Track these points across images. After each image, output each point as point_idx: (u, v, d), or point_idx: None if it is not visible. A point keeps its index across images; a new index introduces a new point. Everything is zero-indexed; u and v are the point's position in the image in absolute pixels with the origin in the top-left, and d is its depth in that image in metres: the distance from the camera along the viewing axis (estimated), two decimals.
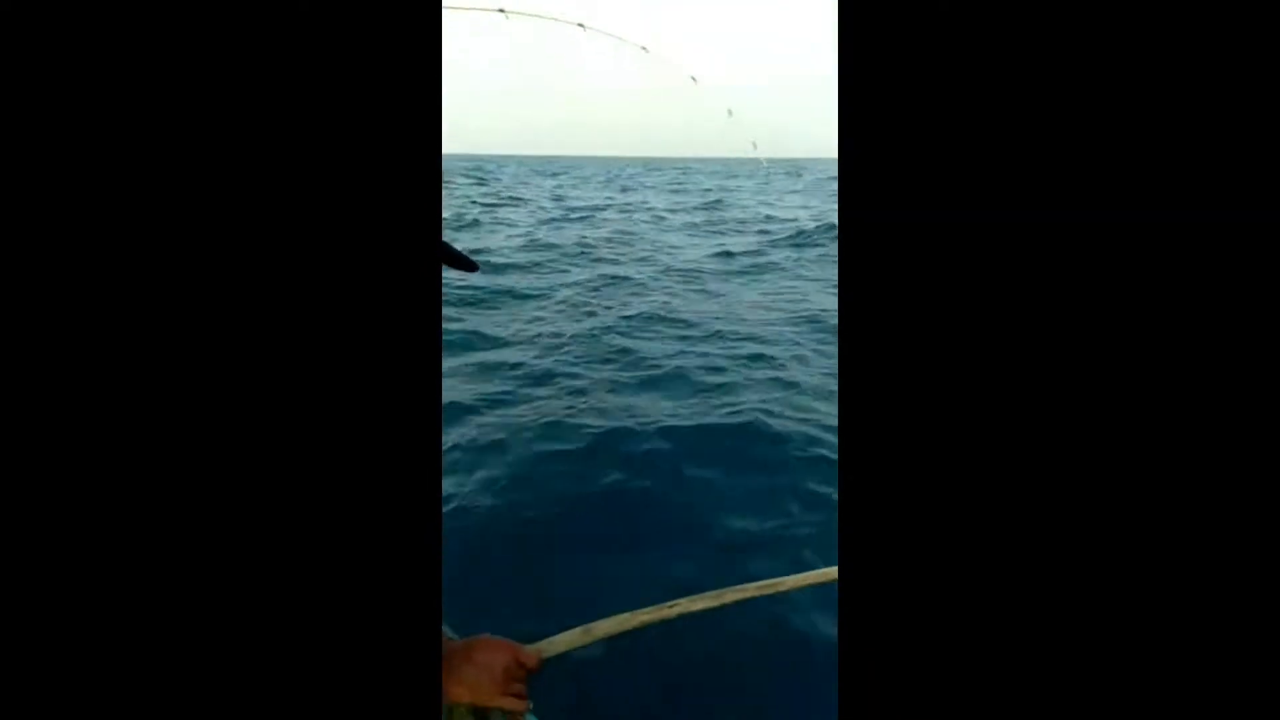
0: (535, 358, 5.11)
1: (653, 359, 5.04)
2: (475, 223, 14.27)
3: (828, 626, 2.34)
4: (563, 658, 1.04)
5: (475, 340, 5.57)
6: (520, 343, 5.59)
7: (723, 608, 1.18)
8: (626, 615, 1.12)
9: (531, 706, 0.94)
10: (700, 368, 4.82)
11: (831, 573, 1.30)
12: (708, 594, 1.18)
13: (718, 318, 6.39)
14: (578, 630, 1.08)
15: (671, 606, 1.14)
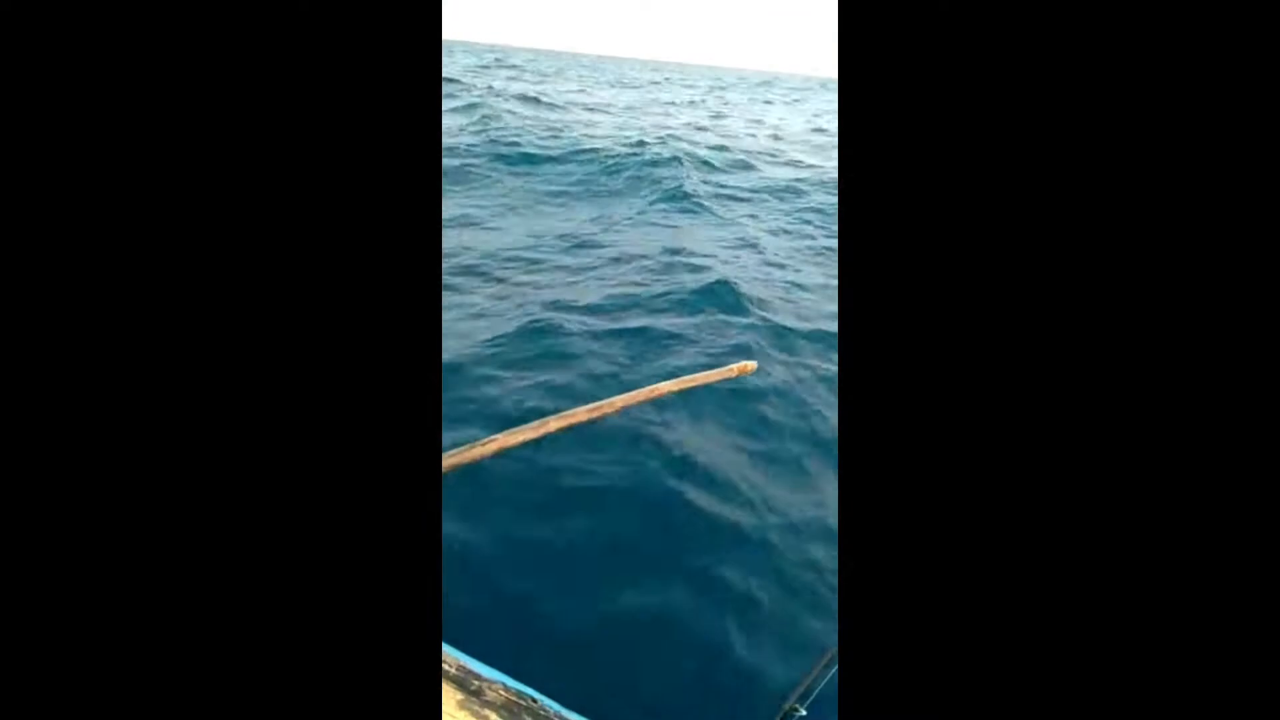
0: None
1: None
2: None
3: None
4: None
5: None
6: None
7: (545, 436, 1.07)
8: (483, 441, 0.99)
9: None
10: None
11: (663, 387, 1.22)
12: (529, 425, 1.06)
13: None
14: None
15: (487, 443, 1.01)
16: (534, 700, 0.73)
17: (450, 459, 0.96)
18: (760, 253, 5.85)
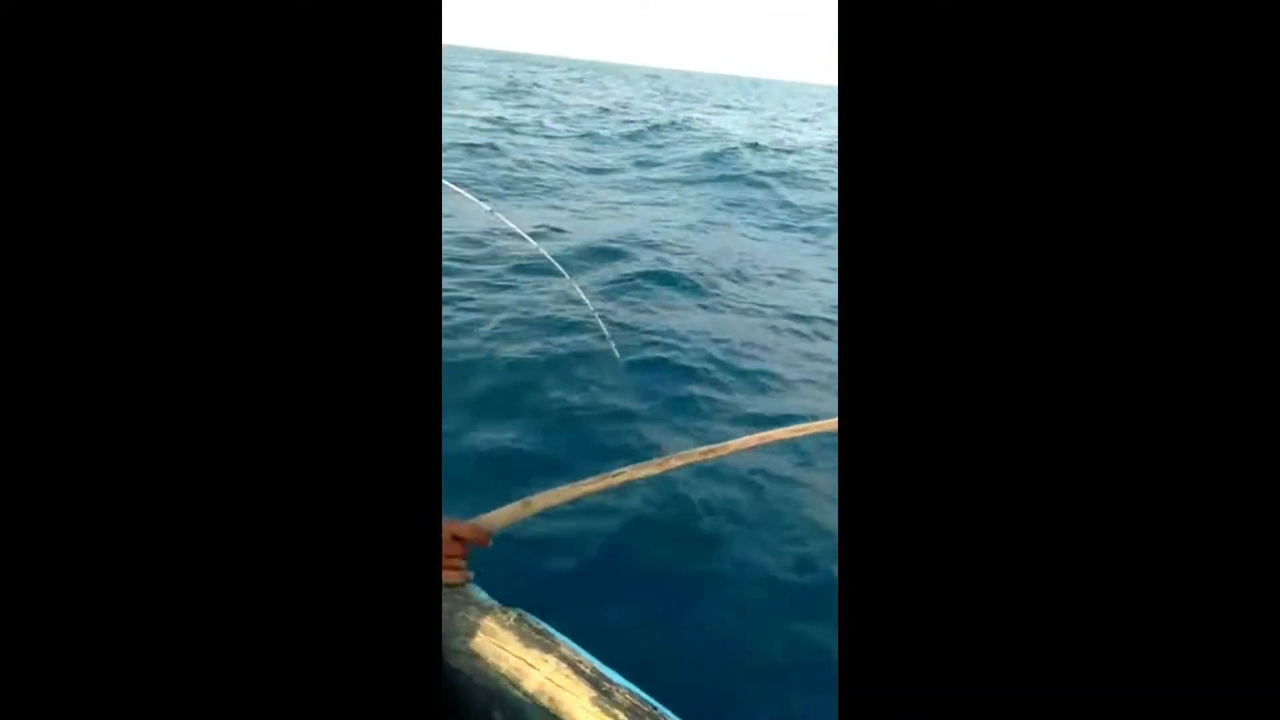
0: None
1: None
2: None
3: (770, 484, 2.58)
4: (507, 533, 1.01)
5: None
6: None
7: (665, 474, 1.15)
8: (567, 486, 1.07)
9: (472, 577, 0.93)
10: None
11: (776, 434, 1.33)
12: (650, 462, 1.15)
13: None
14: (517, 504, 1.04)
15: (616, 475, 1.10)
16: (655, 708, 0.76)
17: (539, 503, 1.03)
18: None
